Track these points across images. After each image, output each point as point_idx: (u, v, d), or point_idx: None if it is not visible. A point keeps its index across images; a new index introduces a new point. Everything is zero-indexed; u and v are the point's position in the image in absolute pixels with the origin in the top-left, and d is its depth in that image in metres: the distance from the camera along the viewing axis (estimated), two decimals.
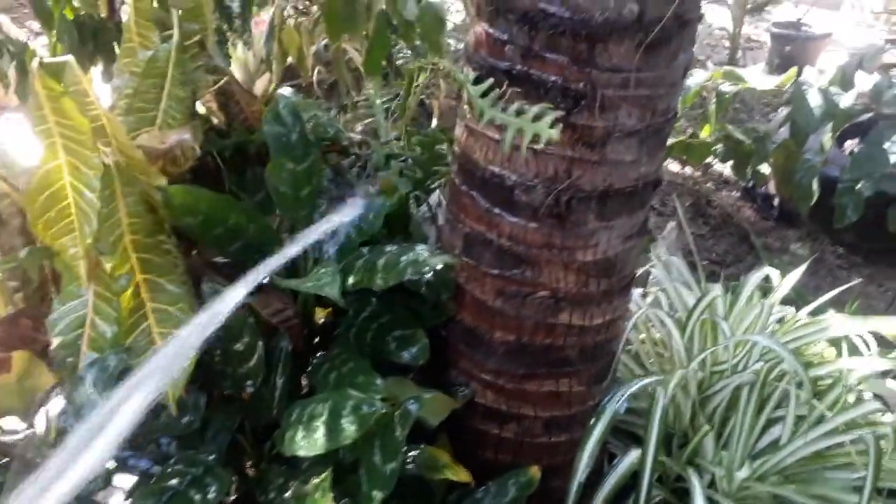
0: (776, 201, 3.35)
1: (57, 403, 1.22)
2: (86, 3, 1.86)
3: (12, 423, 1.28)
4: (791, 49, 4.75)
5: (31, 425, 1.21)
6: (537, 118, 1.09)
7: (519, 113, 1.12)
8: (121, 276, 1.19)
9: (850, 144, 3.11)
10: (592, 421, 1.40)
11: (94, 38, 1.66)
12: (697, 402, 1.62)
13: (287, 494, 1.19)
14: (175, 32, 1.40)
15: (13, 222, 1.41)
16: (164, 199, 1.22)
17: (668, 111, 1.23)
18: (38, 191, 1.13)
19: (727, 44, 5.20)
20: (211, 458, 1.23)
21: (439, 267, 1.39)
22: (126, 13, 1.82)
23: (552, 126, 1.07)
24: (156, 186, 1.26)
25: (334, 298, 1.16)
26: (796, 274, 1.90)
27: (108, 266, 1.20)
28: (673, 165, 3.69)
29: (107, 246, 1.19)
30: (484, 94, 1.18)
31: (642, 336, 1.84)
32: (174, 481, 1.16)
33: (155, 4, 1.42)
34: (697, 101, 3.51)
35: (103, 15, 1.92)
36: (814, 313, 1.84)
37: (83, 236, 1.12)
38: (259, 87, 2.72)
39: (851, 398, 1.59)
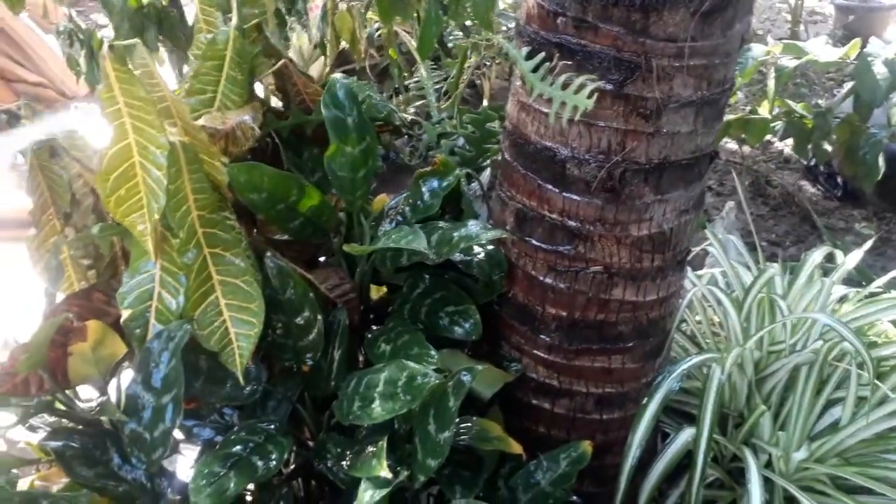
0: (840, 180, 3.23)
1: (129, 373, 1.28)
2: None
3: (88, 392, 1.36)
4: (855, 20, 4.55)
5: (104, 393, 1.28)
6: (579, 90, 1.10)
7: (565, 86, 1.12)
8: (187, 250, 1.24)
9: None
10: (646, 398, 1.40)
11: (159, 25, 1.71)
12: (754, 381, 1.60)
13: (344, 462, 1.23)
14: (234, 16, 1.45)
15: (86, 202, 1.48)
16: (230, 176, 1.27)
17: (724, 82, 1.21)
18: (109, 170, 1.19)
19: (788, 17, 5.02)
20: (272, 426, 1.28)
21: (490, 245, 1.40)
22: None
23: (590, 97, 1.06)
24: (220, 165, 1.30)
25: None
26: (859, 252, 1.83)
27: (174, 242, 1.26)
28: (731, 145, 3.59)
29: (174, 222, 1.25)
30: (535, 69, 1.19)
31: (698, 317, 1.81)
32: (238, 448, 1.21)
33: None
34: (757, 76, 3.41)
35: (165, 2, 1.99)
36: (878, 293, 1.79)
37: (151, 212, 1.17)
38: (314, 71, 2.77)
39: None
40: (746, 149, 3.49)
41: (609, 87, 1.14)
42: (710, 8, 1.10)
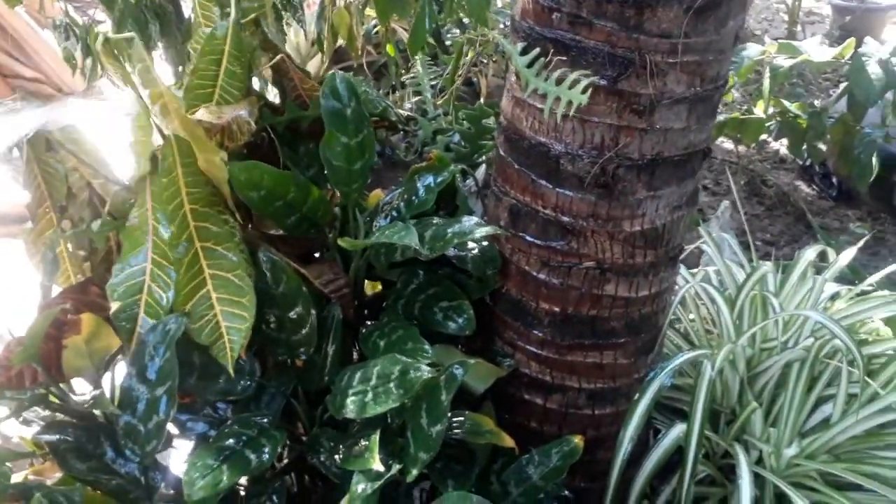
0: (835, 179, 3.25)
1: (123, 367, 1.29)
2: None
3: (82, 385, 1.36)
4: (852, 21, 4.57)
5: (98, 386, 1.28)
6: (573, 85, 1.10)
7: (559, 81, 1.13)
8: (179, 244, 1.25)
9: None
10: (638, 394, 1.40)
11: (158, 19, 1.72)
12: (746, 378, 1.61)
13: (337, 456, 1.23)
14: (232, 10, 1.45)
15: (82, 195, 1.48)
16: (230, 174, 1.27)
17: (717, 78, 1.21)
18: None
19: (786, 17, 5.03)
20: (265, 420, 1.28)
21: (484, 240, 1.41)
22: None
23: (584, 92, 1.07)
24: (217, 160, 1.31)
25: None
26: (852, 251, 1.84)
27: (164, 235, 1.26)
28: (727, 144, 3.60)
29: (166, 215, 1.25)
30: (530, 65, 1.19)
31: (692, 315, 1.82)
32: (231, 441, 1.22)
33: None
34: (753, 75, 3.42)
35: None
36: (870, 291, 1.80)
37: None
38: (311, 67, 2.78)
39: None
40: (742, 148, 3.51)
41: (603, 82, 1.15)
42: (703, 4, 1.10)
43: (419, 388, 1.13)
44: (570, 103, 1.13)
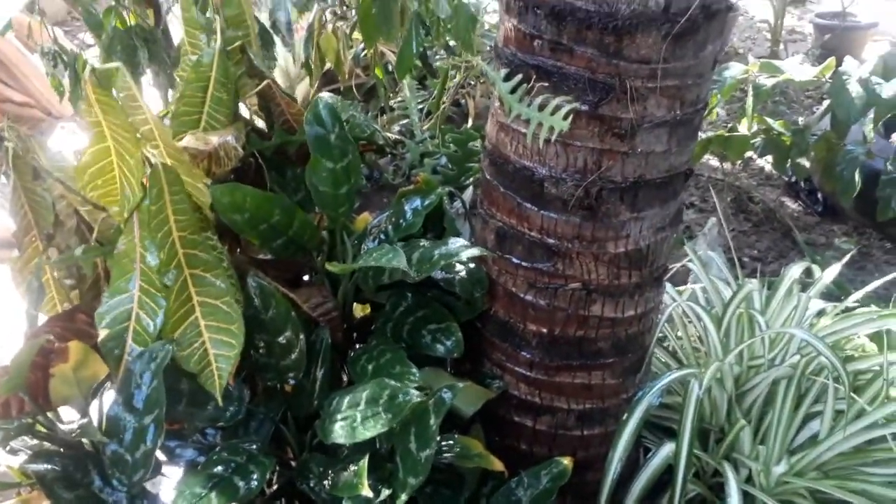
0: (820, 195, 3.28)
1: (110, 394, 1.28)
2: (136, 13, 1.95)
3: (69, 413, 1.36)
4: (833, 39, 4.64)
5: (85, 415, 1.27)
6: (555, 111, 1.12)
7: (542, 107, 1.14)
8: (168, 271, 1.25)
9: None
10: (626, 414, 1.41)
11: (146, 47, 1.73)
12: (734, 396, 1.61)
13: (326, 482, 1.23)
14: (218, 38, 1.47)
15: (69, 223, 1.48)
16: (213, 197, 1.28)
17: (697, 102, 1.23)
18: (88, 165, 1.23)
19: (769, 36, 5.11)
20: (254, 446, 1.28)
21: (471, 262, 1.42)
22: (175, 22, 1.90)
23: (565, 118, 1.09)
24: (203, 186, 1.32)
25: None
26: (836, 267, 1.86)
27: (153, 262, 1.27)
28: (713, 161, 3.64)
29: (154, 243, 1.25)
30: (513, 90, 1.21)
31: (679, 333, 1.83)
32: (219, 468, 1.21)
33: (200, 13, 1.49)
34: (737, 93, 3.46)
35: (151, 24, 2.00)
36: (855, 308, 1.81)
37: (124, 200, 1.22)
38: (300, 91, 2.79)
39: (894, 392, 1.56)
40: (728, 165, 3.54)
41: (584, 108, 1.17)
42: (681, 31, 1.13)
43: (408, 412, 1.13)
44: (552, 129, 1.15)
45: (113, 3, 1.98)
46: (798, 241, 3.07)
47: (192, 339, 1.27)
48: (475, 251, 1.31)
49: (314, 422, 1.29)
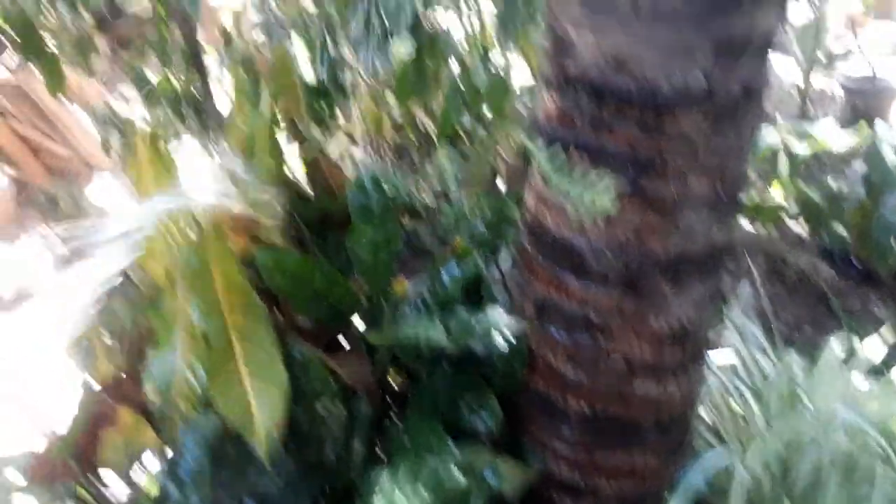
0: (855, 260, 3.24)
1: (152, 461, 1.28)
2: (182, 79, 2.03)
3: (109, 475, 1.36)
4: (862, 102, 4.64)
5: (126, 478, 1.28)
6: (600, 190, 1.13)
7: (583, 182, 1.16)
8: (213, 333, 1.27)
9: None
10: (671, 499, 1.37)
11: (197, 114, 1.81)
12: (779, 476, 1.57)
13: None
14: (265, 108, 1.52)
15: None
16: (259, 260, 1.31)
17: (737, 177, 1.24)
18: None
19: (797, 95, 5.12)
20: None
21: (511, 334, 1.41)
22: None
23: (610, 199, 1.10)
24: (246, 250, 1.35)
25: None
26: (878, 344, 1.83)
27: (198, 324, 1.29)
28: (745, 222, 3.61)
29: (199, 304, 1.28)
30: (554, 165, 1.23)
31: (718, 404, 1.79)
32: None
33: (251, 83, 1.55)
34: (768, 154, 3.45)
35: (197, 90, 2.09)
36: None
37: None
38: (335, 147, 2.86)
39: None
40: (761, 228, 3.52)
41: (625, 184, 1.18)
42: (721, 110, 1.14)
43: (451, 493, 1.12)
44: (595, 205, 1.15)
45: (162, 67, 2.07)
46: (834, 307, 3.01)
47: (237, 399, 1.27)
48: (515, 323, 1.31)
49: (351, 493, 1.28)
